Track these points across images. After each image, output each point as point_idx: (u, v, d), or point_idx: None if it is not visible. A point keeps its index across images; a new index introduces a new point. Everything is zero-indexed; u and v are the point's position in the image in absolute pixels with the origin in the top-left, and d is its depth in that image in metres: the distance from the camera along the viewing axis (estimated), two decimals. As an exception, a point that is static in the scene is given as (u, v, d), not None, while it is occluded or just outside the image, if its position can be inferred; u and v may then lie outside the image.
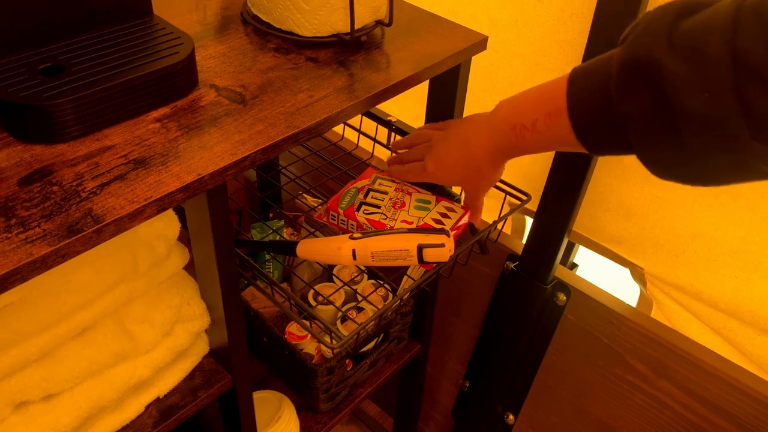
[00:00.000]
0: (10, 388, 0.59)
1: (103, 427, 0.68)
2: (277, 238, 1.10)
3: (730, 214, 0.92)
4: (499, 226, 0.91)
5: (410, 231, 0.71)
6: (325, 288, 1.08)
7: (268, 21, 0.75)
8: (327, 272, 1.17)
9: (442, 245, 0.69)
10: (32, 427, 0.60)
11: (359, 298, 1.07)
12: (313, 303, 1.05)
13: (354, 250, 0.70)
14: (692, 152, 0.49)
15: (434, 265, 0.72)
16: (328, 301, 1.03)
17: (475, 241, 0.82)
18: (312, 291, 1.06)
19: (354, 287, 1.09)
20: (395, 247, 0.69)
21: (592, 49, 0.90)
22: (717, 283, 0.97)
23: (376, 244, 0.70)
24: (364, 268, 1.11)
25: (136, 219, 0.53)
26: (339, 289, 1.07)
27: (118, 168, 0.56)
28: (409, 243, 0.69)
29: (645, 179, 0.99)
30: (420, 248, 0.69)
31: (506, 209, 0.90)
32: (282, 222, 1.15)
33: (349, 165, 1.04)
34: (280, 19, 0.74)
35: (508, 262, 1.18)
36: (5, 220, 0.50)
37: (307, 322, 1.02)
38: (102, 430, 0.68)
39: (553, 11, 0.95)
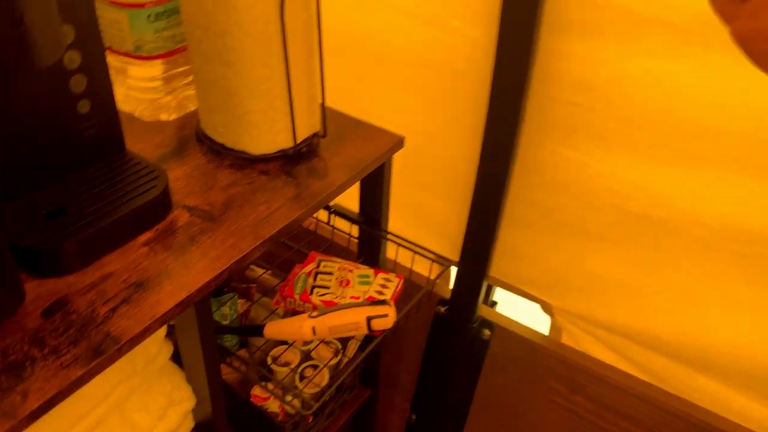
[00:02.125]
0: (40, 485, 0.70)
1: (113, 505, 0.79)
2: (232, 312, 1.23)
3: (613, 255, 1.13)
4: (431, 287, 1.08)
5: (359, 305, 0.87)
6: (281, 350, 1.22)
7: (222, 142, 0.90)
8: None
9: (386, 315, 0.85)
10: None
11: (313, 356, 1.21)
12: (272, 364, 1.18)
13: (313, 327, 0.85)
14: None
15: (381, 332, 0.88)
16: (285, 363, 1.17)
17: (411, 305, 0.98)
18: (270, 354, 1.19)
19: (307, 347, 1.23)
20: (348, 321, 0.85)
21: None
22: (610, 311, 1.18)
23: (332, 321, 0.85)
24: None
25: (145, 335, 0.66)
26: (288, 347, 1.20)
27: (122, 292, 0.69)
28: (359, 316, 0.85)
29: (545, 231, 1.19)
30: (368, 320, 0.84)
31: (435, 267, 1.07)
32: (235, 295, 1.28)
33: (292, 237, 1.18)
34: (233, 141, 0.88)
35: (439, 307, 1.36)
36: (40, 350, 0.62)
37: (271, 386, 1.15)
38: None
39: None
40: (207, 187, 0.85)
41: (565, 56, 0.99)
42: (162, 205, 0.78)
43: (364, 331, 0.85)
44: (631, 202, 1.04)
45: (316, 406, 0.85)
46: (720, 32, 0.85)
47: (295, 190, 0.86)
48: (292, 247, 1.24)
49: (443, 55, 1.12)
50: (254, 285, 1.31)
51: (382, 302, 0.87)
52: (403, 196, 1.16)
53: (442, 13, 1.08)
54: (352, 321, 0.85)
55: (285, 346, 1.25)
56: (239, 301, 1.29)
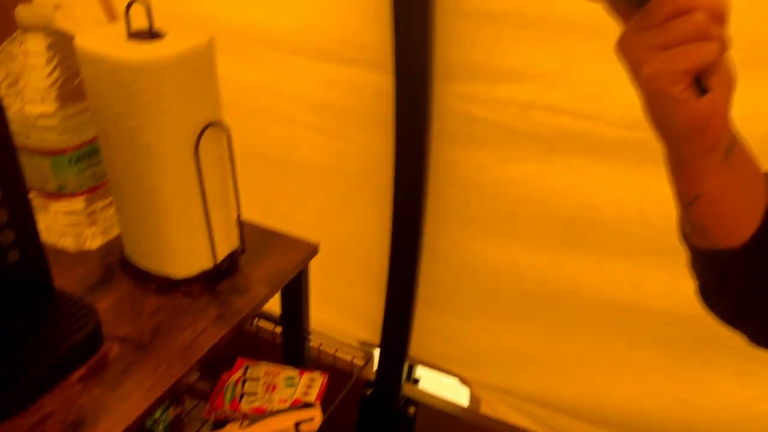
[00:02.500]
0: None
1: None
2: (163, 420, 1.26)
3: (516, 330, 1.25)
4: (354, 380, 1.16)
5: (286, 411, 0.93)
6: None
7: (146, 268, 0.96)
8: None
9: (312, 419, 0.92)
10: None
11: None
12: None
13: (246, 437, 0.91)
14: None
15: (309, 433, 0.95)
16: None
17: (336, 403, 1.06)
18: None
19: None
20: (277, 428, 0.91)
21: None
22: (519, 380, 1.29)
23: (261, 429, 0.91)
24: None
25: (86, 473, 0.70)
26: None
27: (61, 433, 0.73)
28: (287, 422, 0.92)
29: (455, 311, 1.31)
30: (296, 425, 0.91)
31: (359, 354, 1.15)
32: (165, 402, 1.31)
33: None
34: (157, 267, 0.95)
35: (365, 389, 1.43)
36: (-16, 503, 0.66)
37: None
38: None
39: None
40: (135, 315, 0.90)
41: (454, 162, 1.13)
42: (94, 340, 0.83)
43: (294, 434, 0.92)
44: (524, 283, 1.17)
45: None
46: (578, 141, 1.00)
47: (218, 309, 0.93)
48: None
49: (348, 163, 1.23)
50: (184, 391, 1.34)
51: (308, 405, 0.94)
52: (323, 288, 1.24)
53: (343, 127, 1.20)
54: (281, 428, 0.91)
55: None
56: (171, 408, 1.32)
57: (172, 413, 1.32)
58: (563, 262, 1.12)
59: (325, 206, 1.31)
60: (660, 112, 0.45)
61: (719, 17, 0.42)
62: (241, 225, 1.00)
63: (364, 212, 1.28)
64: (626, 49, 0.44)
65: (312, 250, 1.07)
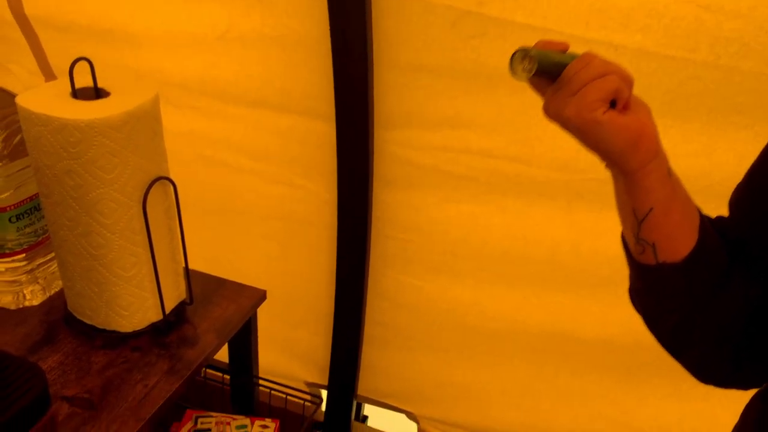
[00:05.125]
0: None
1: None
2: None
3: (458, 364, 1.29)
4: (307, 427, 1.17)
5: (241, 460, 0.93)
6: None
7: (92, 324, 0.95)
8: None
9: (267, 469, 0.93)
10: None
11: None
12: None
13: (200, 490, 0.91)
14: None
15: (265, 481, 0.95)
16: None
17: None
18: None
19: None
20: (233, 478, 0.91)
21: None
22: (463, 413, 1.33)
23: (217, 481, 0.91)
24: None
25: None
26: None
27: (10, 502, 0.71)
28: (242, 472, 0.92)
29: (399, 349, 1.34)
30: (249, 474, 0.92)
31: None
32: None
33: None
34: (104, 322, 0.94)
35: (315, 430, 1.44)
36: None
37: None
38: None
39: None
40: (83, 373, 0.89)
41: (394, 204, 1.17)
42: (41, 403, 0.81)
43: (249, 484, 0.92)
44: (466, 318, 1.22)
45: None
46: (512, 183, 1.06)
47: (169, 362, 0.92)
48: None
49: (292, 208, 1.26)
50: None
51: (262, 452, 0.95)
52: (270, 332, 1.25)
53: (286, 173, 1.23)
54: (237, 477, 0.91)
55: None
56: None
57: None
58: (503, 297, 1.17)
59: (270, 252, 1.32)
60: (596, 138, 0.53)
61: (609, 65, 0.53)
62: (188, 275, 1.01)
63: (309, 256, 1.31)
64: (550, 108, 0.54)
65: (260, 297, 1.08)
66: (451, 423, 1.36)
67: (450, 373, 1.30)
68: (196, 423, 1.03)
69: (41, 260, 0.99)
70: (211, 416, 1.05)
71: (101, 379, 0.89)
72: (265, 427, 1.03)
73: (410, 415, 1.42)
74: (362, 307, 1.28)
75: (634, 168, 0.53)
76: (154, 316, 0.96)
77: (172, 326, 0.99)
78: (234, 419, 1.04)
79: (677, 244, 0.56)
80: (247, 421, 1.04)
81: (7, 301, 0.99)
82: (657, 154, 0.54)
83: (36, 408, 0.81)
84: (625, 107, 0.53)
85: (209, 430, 1.02)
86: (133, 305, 0.93)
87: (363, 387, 1.42)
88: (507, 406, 1.27)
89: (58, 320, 0.99)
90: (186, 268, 1.00)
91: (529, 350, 1.20)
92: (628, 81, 0.53)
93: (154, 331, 0.97)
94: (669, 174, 0.54)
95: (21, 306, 1.00)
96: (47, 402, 0.83)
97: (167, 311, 0.98)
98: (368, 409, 1.54)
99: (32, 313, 1.00)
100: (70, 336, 0.96)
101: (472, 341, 1.24)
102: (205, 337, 0.98)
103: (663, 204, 0.54)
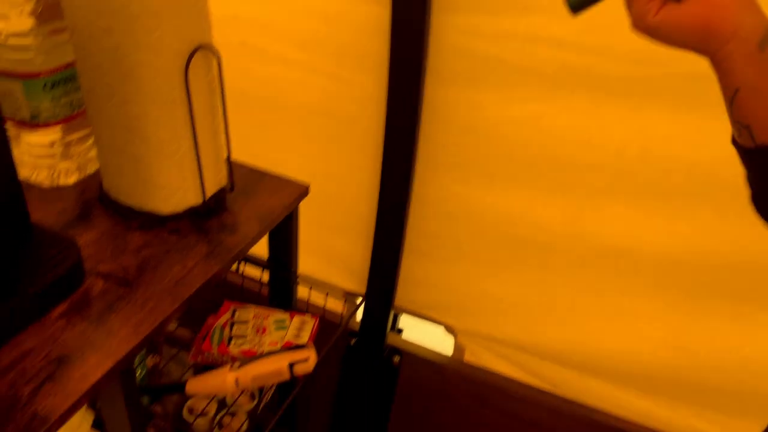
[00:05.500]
0: None
1: None
2: (141, 368, 1.21)
3: (505, 277, 1.23)
4: (345, 324, 1.13)
5: (280, 352, 0.90)
6: (197, 401, 1.21)
7: (129, 204, 0.90)
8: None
9: (307, 359, 0.89)
10: None
11: (229, 402, 1.22)
12: (189, 417, 1.18)
13: (237, 379, 0.87)
14: None
15: (303, 376, 0.92)
16: (203, 413, 1.16)
17: (330, 346, 1.02)
18: (186, 407, 1.19)
19: (223, 395, 1.23)
20: (270, 369, 0.88)
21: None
22: (506, 328, 1.28)
23: (254, 371, 0.88)
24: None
25: (74, 411, 0.66)
26: (210, 400, 1.21)
27: (44, 370, 0.68)
28: (281, 363, 0.88)
29: (443, 259, 1.28)
30: (290, 366, 0.88)
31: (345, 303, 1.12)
32: (144, 350, 1.26)
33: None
34: (141, 203, 0.89)
35: (350, 338, 1.41)
36: (-37, 440, 0.61)
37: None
38: None
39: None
40: (118, 252, 0.85)
41: (450, 103, 1.08)
42: (75, 275, 0.77)
43: (287, 377, 0.88)
44: (517, 229, 1.15)
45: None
46: (582, 78, 0.97)
47: (208, 247, 0.88)
48: (200, 299, 1.24)
49: (338, 103, 1.18)
50: (161, 339, 1.29)
51: (302, 346, 0.91)
52: (308, 237, 1.20)
53: (332, 64, 1.15)
54: (275, 369, 0.88)
55: (200, 397, 1.24)
56: (150, 357, 1.27)
57: (150, 363, 1.27)
58: (558, 207, 1.10)
59: (312, 150, 1.26)
60: (664, 40, 0.52)
61: None
62: (230, 160, 0.95)
63: (352, 157, 1.24)
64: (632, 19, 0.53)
65: (302, 192, 1.02)
66: (491, 338, 1.31)
67: (494, 287, 1.24)
68: (233, 315, 1.00)
69: (77, 135, 0.94)
70: (249, 309, 1.01)
71: (137, 258, 0.85)
72: (304, 322, 0.99)
73: (449, 329, 1.38)
74: (405, 214, 1.22)
75: (711, 53, 0.50)
76: (193, 199, 0.91)
77: (212, 212, 0.94)
78: (272, 313, 1.01)
79: None
80: (285, 315, 1.00)
81: (42, 177, 0.94)
82: (734, 34, 0.49)
83: (70, 279, 0.77)
84: None
85: (247, 322, 0.98)
86: (172, 185, 0.88)
87: (401, 298, 1.37)
88: (552, 323, 1.22)
89: (93, 200, 0.94)
90: (228, 152, 0.94)
91: (581, 265, 1.13)
92: None
93: (194, 215, 0.93)
94: (760, 50, 0.49)
95: (55, 184, 0.96)
96: (81, 275, 0.80)
97: (207, 196, 0.93)
98: (404, 322, 1.51)
99: (66, 192, 0.95)
100: (106, 216, 0.92)
101: (520, 254, 1.18)
102: (246, 224, 0.93)
103: (751, 84, 0.50)
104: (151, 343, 1.31)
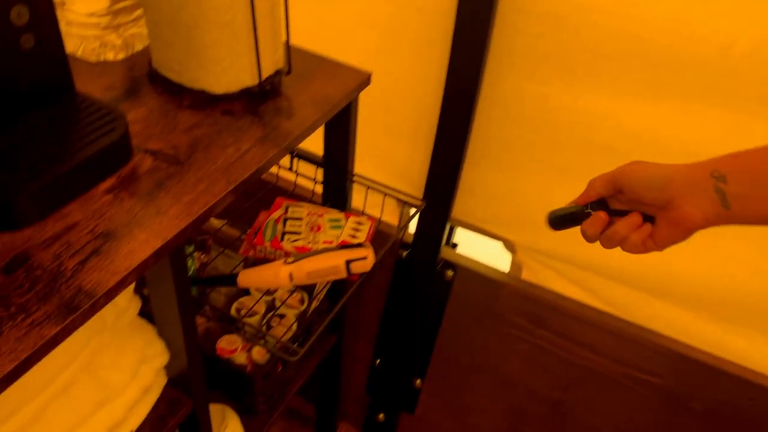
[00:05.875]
0: (12, 453, 0.65)
1: (89, 469, 0.75)
2: (190, 265, 1.18)
3: (577, 189, 1.13)
4: (403, 230, 1.06)
5: (337, 249, 0.84)
6: (246, 301, 1.18)
7: (179, 81, 0.83)
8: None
9: (365, 258, 0.83)
10: (36, 483, 0.67)
11: (278, 305, 1.18)
12: (237, 316, 1.15)
13: (290, 274, 0.82)
14: None
15: (359, 275, 0.86)
16: (251, 314, 1.13)
17: (386, 249, 0.96)
18: (233, 307, 1.16)
19: (272, 297, 1.20)
20: (326, 265, 0.82)
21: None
22: (572, 245, 1.20)
23: (309, 266, 0.82)
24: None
25: (120, 288, 0.61)
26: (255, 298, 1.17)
27: (90, 244, 0.63)
28: (338, 260, 0.82)
29: (508, 167, 1.19)
30: (348, 263, 0.82)
31: (401, 211, 1.05)
32: (192, 247, 1.22)
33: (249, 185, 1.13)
34: (192, 80, 0.82)
35: (401, 251, 1.34)
36: (5, 309, 0.57)
37: (237, 337, 1.12)
38: (88, 472, 0.75)
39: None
40: (168, 130, 0.79)
41: (530, -14, 0.97)
42: (123, 149, 0.71)
43: (343, 275, 0.83)
44: (596, 134, 1.05)
45: (302, 352, 0.83)
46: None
47: (262, 130, 0.81)
48: (249, 197, 1.19)
49: (404, -12, 1.07)
50: (210, 236, 1.25)
51: (360, 245, 0.84)
52: (363, 140, 1.12)
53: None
54: (331, 265, 0.82)
55: (249, 297, 1.21)
56: (197, 254, 1.24)
57: (197, 260, 1.23)
58: (645, 110, 0.99)
59: (373, 40, 1.16)
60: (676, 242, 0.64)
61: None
62: (288, 40, 0.87)
63: (415, 51, 1.14)
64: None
65: (364, 79, 0.93)
66: (553, 255, 1.23)
67: (565, 198, 1.15)
68: (286, 211, 0.94)
69: (124, 4, 0.86)
70: (303, 206, 0.95)
71: (188, 137, 0.78)
72: (360, 224, 0.93)
73: (507, 245, 1.30)
74: (471, 116, 1.13)
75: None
76: (248, 79, 0.84)
77: (267, 95, 0.87)
78: (327, 212, 0.94)
79: None
80: (341, 215, 0.94)
81: (88, 51, 0.88)
82: (712, 220, 0.59)
83: (117, 153, 0.71)
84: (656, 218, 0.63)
85: (301, 219, 0.92)
86: (225, 60, 0.81)
87: (459, 210, 1.30)
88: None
89: (142, 77, 0.88)
90: (287, 32, 0.85)
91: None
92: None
93: (248, 97, 0.85)
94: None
95: (102, 59, 0.89)
96: (129, 150, 0.74)
97: (263, 77, 0.85)
98: (459, 237, 1.43)
99: (114, 68, 0.89)
100: (155, 93, 0.85)
101: (596, 163, 1.06)
102: (302, 110, 0.85)
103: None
104: (198, 241, 1.27)
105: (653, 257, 1.12)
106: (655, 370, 1.17)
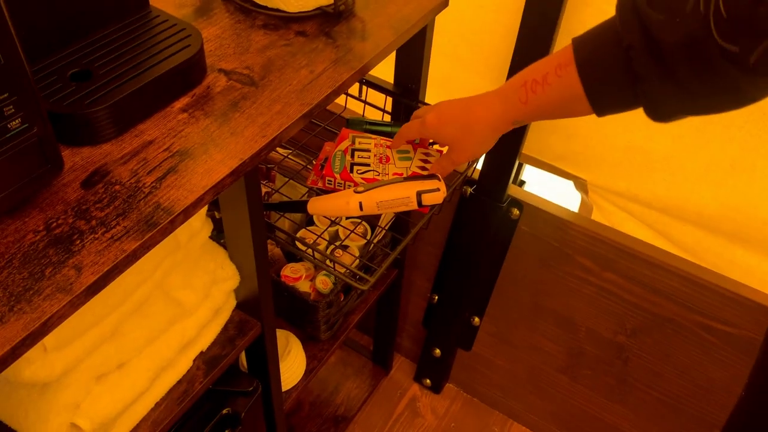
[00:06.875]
0: (92, 363, 0.67)
1: (164, 383, 0.77)
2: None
3: (658, 126, 1.07)
4: (471, 169, 1.03)
5: (408, 180, 0.81)
6: (308, 232, 1.18)
7: (252, 1, 0.80)
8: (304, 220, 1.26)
9: (437, 189, 0.80)
10: (115, 394, 0.69)
11: (342, 236, 1.18)
12: (302, 247, 1.15)
13: (360, 203, 0.80)
14: (683, 85, 0.54)
15: (430, 207, 0.83)
16: (314, 245, 1.13)
17: (459, 181, 0.93)
18: (298, 234, 1.16)
19: (335, 228, 1.19)
20: (397, 195, 0.80)
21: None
22: (649, 186, 1.14)
23: (380, 195, 0.80)
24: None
25: (198, 206, 0.60)
26: (324, 230, 1.17)
27: (167, 162, 0.63)
28: (409, 191, 0.80)
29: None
30: (419, 194, 0.80)
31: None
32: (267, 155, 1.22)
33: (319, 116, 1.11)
34: (266, -2, 0.79)
35: (466, 187, 1.31)
36: (86, 223, 0.57)
37: (300, 266, 1.12)
38: (163, 386, 0.77)
39: None
40: (242, 50, 0.77)
41: None
42: (198, 66, 0.70)
43: (414, 206, 0.81)
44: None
45: (372, 280, 0.82)
46: None
47: (336, 53, 0.78)
48: (313, 127, 1.17)
49: None
50: (274, 167, 1.25)
51: (432, 176, 0.82)
52: (433, 69, 1.08)
53: None
54: (402, 196, 0.80)
55: (313, 227, 1.21)
56: (261, 183, 1.24)
57: (261, 189, 1.23)
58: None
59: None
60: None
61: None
62: (363, -43, 0.82)
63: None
64: None
65: (441, 1, 0.88)
66: (628, 196, 1.18)
67: (644, 137, 1.09)
68: (353, 142, 0.91)
69: None
70: (370, 138, 0.92)
71: (262, 58, 0.76)
72: (429, 155, 0.90)
73: (579, 184, 1.25)
74: (550, 46, 1.06)
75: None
76: (322, -1, 0.80)
77: (341, 16, 0.83)
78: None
79: None
80: (409, 147, 0.91)
81: (159, -33, 0.85)
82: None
83: (191, 70, 0.70)
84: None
85: (368, 150, 0.90)
86: (301, -22, 0.77)
87: (530, 146, 1.25)
88: (706, 181, 1.06)
89: (214, -5, 0.85)
90: (362, -55, 0.81)
91: (758, 115, 0.96)
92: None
93: (322, 17, 0.82)
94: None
95: (173, -24, 0.87)
96: (203, 68, 0.72)
97: (337, -4, 0.81)
98: (527, 174, 1.39)
99: (186, -15, 0.87)
100: (227, 12, 0.83)
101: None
102: (377, 32, 0.82)
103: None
104: (263, 170, 1.27)
105: (738, 200, 1.06)
106: (731, 319, 1.12)
